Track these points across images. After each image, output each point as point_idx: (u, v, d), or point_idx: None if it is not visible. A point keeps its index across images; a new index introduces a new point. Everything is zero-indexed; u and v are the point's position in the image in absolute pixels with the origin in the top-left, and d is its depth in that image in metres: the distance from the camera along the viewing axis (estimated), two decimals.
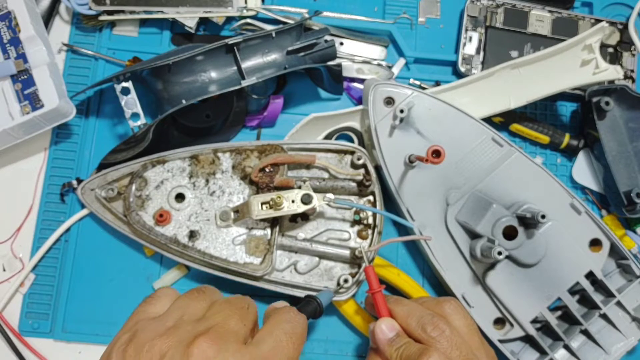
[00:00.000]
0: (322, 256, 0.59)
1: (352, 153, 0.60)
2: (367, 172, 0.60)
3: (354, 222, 0.60)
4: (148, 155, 0.64)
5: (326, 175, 0.60)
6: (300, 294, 0.58)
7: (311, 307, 0.50)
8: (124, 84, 0.59)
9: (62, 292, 0.62)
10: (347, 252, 0.58)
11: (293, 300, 0.63)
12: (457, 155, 0.60)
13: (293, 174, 0.60)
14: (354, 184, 0.60)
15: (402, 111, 0.57)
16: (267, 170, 0.57)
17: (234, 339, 0.35)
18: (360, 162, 0.59)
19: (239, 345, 0.35)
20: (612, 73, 0.63)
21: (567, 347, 0.59)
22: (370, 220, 0.60)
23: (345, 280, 0.57)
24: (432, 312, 0.49)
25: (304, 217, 0.60)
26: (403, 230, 0.65)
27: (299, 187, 0.57)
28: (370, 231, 0.60)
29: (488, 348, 0.50)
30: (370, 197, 0.61)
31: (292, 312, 0.41)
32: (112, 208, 0.59)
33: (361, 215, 0.59)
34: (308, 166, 0.60)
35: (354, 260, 0.58)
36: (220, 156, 0.59)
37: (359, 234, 0.60)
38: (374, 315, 0.53)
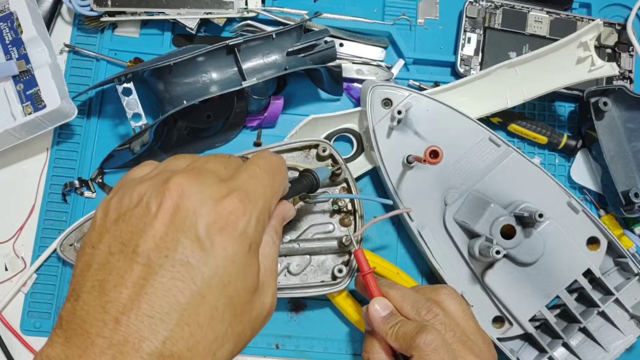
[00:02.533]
0: (312, 253, 0.59)
1: (316, 146, 0.60)
2: (335, 161, 0.60)
3: (334, 212, 0.60)
4: (151, 157, 0.64)
5: (296, 174, 0.60)
6: (299, 294, 0.58)
7: (308, 179, 0.50)
8: (126, 85, 0.60)
9: (64, 291, 0.62)
10: (334, 243, 0.59)
11: (294, 302, 0.64)
12: (455, 156, 0.61)
13: None
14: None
15: (399, 112, 0.58)
16: None
17: (212, 175, 0.35)
18: (326, 153, 0.59)
19: (216, 179, 0.35)
20: (607, 70, 0.63)
21: (566, 345, 0.60)
22: (350, 207, 0.60)
23: (340, 270, 0.58)
24: (427, 297, 0.50)
25: None
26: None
27: None
28: (351, 217, 0.60)
29: (485, 335, 0.50)
30: (344, 184, 0.61)
31: (266, 151, 0.41)
32: None
33: (339, 203, 0.59)
34: None
35: (343, 248, 0.59)
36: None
37: (342, 222, 0.60)
38: (365, 298, 0.54)
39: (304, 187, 0.49)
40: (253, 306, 0.35)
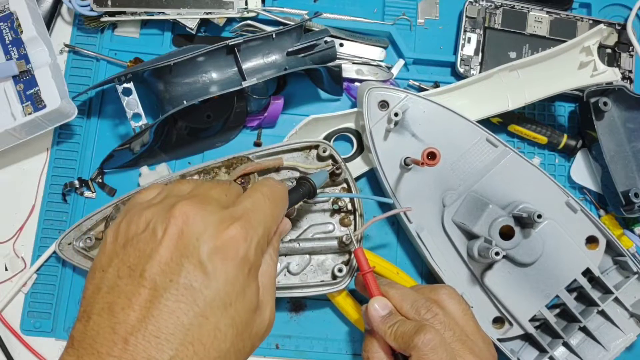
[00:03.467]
0: (312, 252, 0.59)
1: (317, 147, 0.60)
2: (335, 161, 0.60)
3: (334, 212, 0.61)
4: (151, 157, 0.64)
5: (297, 174, 0.60)
6: (299, 294, 0.59)
7: (305, 187, 0.51)
8: (126, 85, 0.60)
9: (63, 291, 0.62)
10: (334, 243, 0.59)
11: (294, 302, 0.64)
12: (453, 157, 0.60)
13: None
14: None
15: (396, 114, 0.58)
16: (238, 182, 0.57)
17: (215, 202, 0.37)
18: (326, 154, 0.59)
19: (219, 206, 0.36)
20: (610, 75, 0.63)
21: (566, 345, 0.60)
22: (350, 207, 0.60)
23: (340, 270, 0.58)
24: (427, 297, 0.50)
25: None
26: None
27: None
28: (351, 217, 0.60)
29: (484, 335, 0.50)
30: (344, 185, 0.61)
31: (270, 179, 0.43)
32: (93, 256, 0.59)
33: (339, 203, 0.60)
34: (277, 169, 0.60)
35: (343, 248, 0.59)
36: (190, 180, 0.59)
37: (342, 222, 0.60)
38: (365, 297, 0.54)
39: (300, 196, 0.50)
40: (254, 324, 0.37)
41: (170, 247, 0.33)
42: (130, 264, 0.34)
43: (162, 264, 0.33)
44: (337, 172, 0.59)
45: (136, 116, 0.60)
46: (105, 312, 0.32)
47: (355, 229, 0.60)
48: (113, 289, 0.33)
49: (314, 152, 0.61)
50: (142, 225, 0.35)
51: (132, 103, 0.60)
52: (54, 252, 0.62)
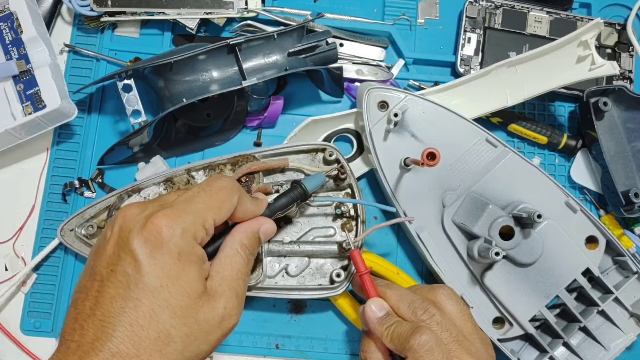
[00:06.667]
0: (311, 255, 0.59)
1: (323, 150, 0.60)
2: (341, 165, 0.60)
3: (337, 216, 0.61)
4: (149, 154, 0.64)
5: (302, 176, 0.60)
6: (296, 296, 0.59)
7: (296, 191, 0.52)
8: (126, 81, 0.60)
9: (64, 291, 0.62)
10: (334, 247, 0.59)
11: (294, 303, 0.64)
12: (452, 157, 0.60)
13: (269, 180, 0.60)
14: (330, 180, 0.60)
15: (396, 115, 0.58)
16: (243, 180, 0.58)
17: (158, 201, 0.42)
18: (332, 157, 0.59)
19: (158, 204, 0.41)
20: (608, 68, 0.62)
21: (566, 345, 0.60)
22: (352, 212, 0.60)
23: (338, 275, 0.58)
24: (424, 297, 0.50)
25: (287, 220, 0.60)
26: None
27: (277, 192, 0.58)
28: (353, 222, 0.60)
29: (483, 335, 0.50)
30: (348, 190, 0.61)
31: (216, 175, 0.46)
32: (93, 244, 0.59)
33: (342, 208, 0.60)
34: (282, 170, 0.60)
35: (343, 253, 0.59)
36: (195, 175, 0.59)
37: (343, 227, 0.60)
38: (362, 298, 0.54)
39: (290, 199, 0.51)
40: (199, 310, 0.39)
41: (113, 243, 0.39)
42: (92, 265, 0.40)
43: (107, 257, 0.39)
44: (342, 176, 0.59)
45: (136, 113, 0.60)
46: (73, 306, 0.39)
47: (356, 235, 0.59)
48: (80, 288, 0.40)
49: (320, 155, 0.61)
50: (105, 234, 0.41)
51: (132, 100, 0.60)
52: (54, 252, 0.62)
